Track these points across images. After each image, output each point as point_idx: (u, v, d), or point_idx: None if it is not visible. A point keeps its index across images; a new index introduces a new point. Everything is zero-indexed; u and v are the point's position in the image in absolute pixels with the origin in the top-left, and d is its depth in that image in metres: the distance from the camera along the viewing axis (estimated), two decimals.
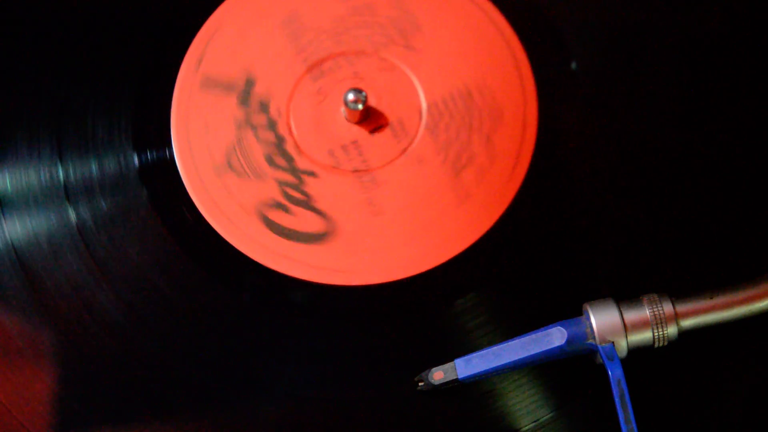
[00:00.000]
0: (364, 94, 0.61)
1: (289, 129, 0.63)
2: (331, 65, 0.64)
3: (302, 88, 0.64)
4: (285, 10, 0.65)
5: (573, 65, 0.64)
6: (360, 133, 0.63)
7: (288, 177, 0.62)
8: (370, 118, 0.63)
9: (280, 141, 0.62)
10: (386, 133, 0.63)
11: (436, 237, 0.60)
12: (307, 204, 0.61)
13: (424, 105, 0.63)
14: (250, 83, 0.63)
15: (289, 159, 0.62)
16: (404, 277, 0.60)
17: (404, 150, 0.62)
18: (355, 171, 0.62)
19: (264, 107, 0.63)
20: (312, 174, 0.62)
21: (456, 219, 0.61)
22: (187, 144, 0.62)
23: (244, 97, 0.63)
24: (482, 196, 0.61)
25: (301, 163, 0.62)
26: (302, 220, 0.61)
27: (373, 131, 0.63)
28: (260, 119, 0.63)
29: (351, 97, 0.61)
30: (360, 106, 0.61)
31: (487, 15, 0.64)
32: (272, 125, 0.63)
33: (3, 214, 0.61)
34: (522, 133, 0.63)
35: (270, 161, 0.62)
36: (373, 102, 0.63)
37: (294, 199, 0.61)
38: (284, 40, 0.64)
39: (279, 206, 0.61)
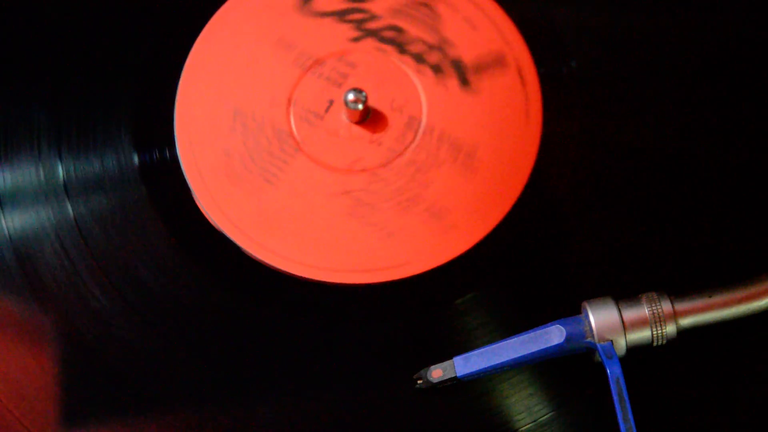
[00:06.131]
0: (364, 94, 0.61)
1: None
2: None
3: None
4: None
5: (573, 64, 0.64)
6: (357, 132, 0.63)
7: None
8: (369, 121, 0.63)
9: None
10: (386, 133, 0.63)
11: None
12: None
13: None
14: None
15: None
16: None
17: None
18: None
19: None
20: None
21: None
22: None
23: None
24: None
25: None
26: None
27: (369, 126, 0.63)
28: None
29: (351, 96, 0.61)
30: (360, 107, 0.61)
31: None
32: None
33: (3, 212, 0.61)
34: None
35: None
36: (375, 105, 0.63)
37: None
38: None
39: None
